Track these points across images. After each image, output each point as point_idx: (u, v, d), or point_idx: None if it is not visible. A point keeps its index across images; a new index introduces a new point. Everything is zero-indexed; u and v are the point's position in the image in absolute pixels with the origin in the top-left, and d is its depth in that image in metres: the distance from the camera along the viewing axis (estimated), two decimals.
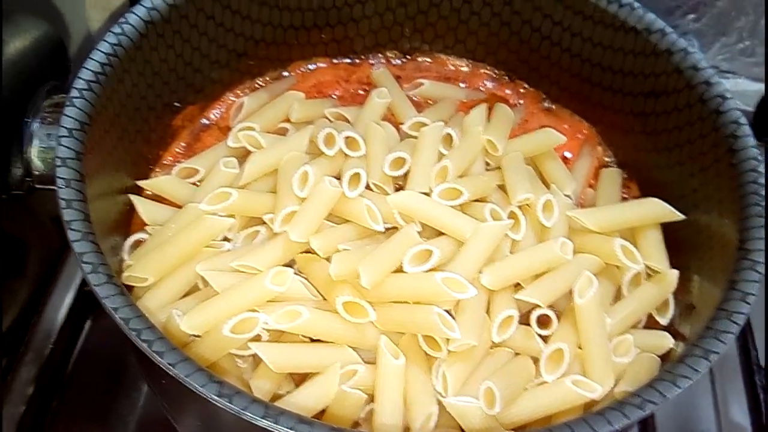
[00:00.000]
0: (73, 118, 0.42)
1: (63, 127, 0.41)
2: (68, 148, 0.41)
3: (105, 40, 0.46)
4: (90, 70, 0.44)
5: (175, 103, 0.54)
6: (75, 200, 0.39)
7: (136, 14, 0.47)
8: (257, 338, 0.43)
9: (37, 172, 0.45)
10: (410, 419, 0.41)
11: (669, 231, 0.49)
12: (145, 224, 0.50)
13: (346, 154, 0.50)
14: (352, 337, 0.44)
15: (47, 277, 0.61)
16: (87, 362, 0.58)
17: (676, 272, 0.47)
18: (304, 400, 0.41)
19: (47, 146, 0.45)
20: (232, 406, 0.33)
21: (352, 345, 0.44)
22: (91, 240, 0.38)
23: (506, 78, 0.61)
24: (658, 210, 0.48)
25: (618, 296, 0.48)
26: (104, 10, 0.64)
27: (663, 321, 0.47)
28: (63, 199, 0.39)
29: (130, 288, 0.45)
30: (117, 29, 0.46)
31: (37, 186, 0.45)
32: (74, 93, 0.43)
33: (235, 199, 0.47)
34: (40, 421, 0.53)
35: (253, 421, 0.33)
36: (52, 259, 0.62)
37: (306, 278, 0.46)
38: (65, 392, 0.56)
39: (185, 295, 0.46)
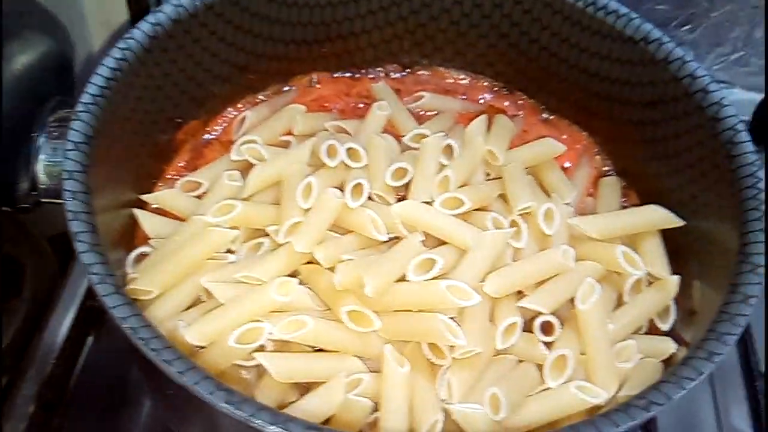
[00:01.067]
0: (79, 131, 0.42)
1: (70, 141, 0.42)
2: (75, 161, 0.41)
3: (110, 56, 0.46)
4: (96, 84, 0.45)
5: (178, 119, 0.55)
6: (82, 212, 0.39)
7: (141, 30, 0.48)
8: (261, 348, 0.43)
9: (42, 186, 0.45)
10: (416, 426, 0.41)
11: (669, 238, 0.50)
12: (149, 238, 0.50)
13: (348, 166, 0.51)
14: (356, 347, 0.44)
15: (45, 297, 0.61)
16: (89, 379, 0.58)
17: (677, 278, 0.48)
18: (309, 408, 0.41)
19: (53, 160, 0.45)
20: (241, 413, 0.33)
21: (357, 354, 0.44)
22: (98, 251, 0.38)
23: (505, 90, 0.61)
24: (658, 216, 0.49)
25: (619, 303, 0.48)
26: (106, 26, 0.65)
27: (664, 327, 0.48)
28: (70, 211, 0.39)
29: (134, 301, 0.45)
30: (122, 44, 0.47)
31: (43, 200, 0.45)
32: (80, 107, 0.43)
33: (240, 211, 0.47)
34: None
35: (262, 429, 0.33)
36: (50, 279, 0.62)
37: (310, 289, 0.46)
38: (67, 409, 0.56)
39: (189, 308, 0.47)
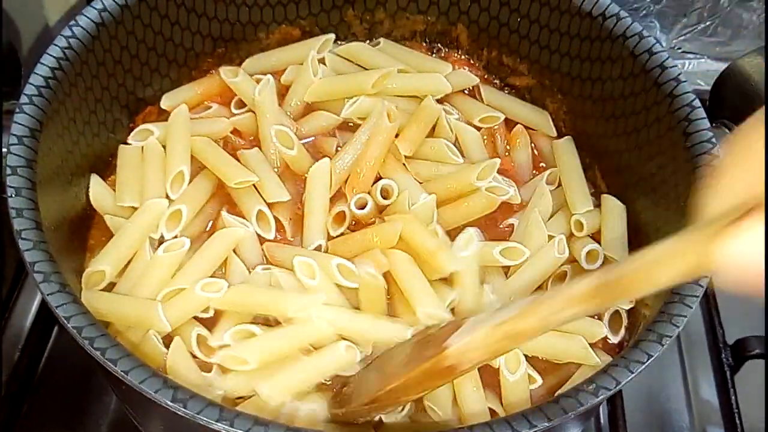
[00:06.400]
0: (23, 125, 0.41)
1: (13, 135, 0.41)
2: (18, 156, 0.40)
3: (55, 44, 0.45)
4: (41, 75, 0.44)
5: (132, 105, 0.54)
6: (26, 209, 0.39)
7: (87, 16, 0.47)
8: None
9: None
10: None
11: (631, 214, 0.50)
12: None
13: None
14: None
15: (15, 283, 0.60)
16: (56, 368, 0.57)
17: None
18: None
19: None
20: (186, 410, 0.33)
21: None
22: (43, 249, 0.38)
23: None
24: None
25: None
26: (62, 11, 0.63)
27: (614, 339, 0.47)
28: (13, 208, 0.38)
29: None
30: (67, 32, 0.46)
31: None
32: (24, 99, 0.42)
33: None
34: (9, 428, 0.53)
35: (209, 425, 0.33)
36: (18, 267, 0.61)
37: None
38: (35, 398, 0.56)
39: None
